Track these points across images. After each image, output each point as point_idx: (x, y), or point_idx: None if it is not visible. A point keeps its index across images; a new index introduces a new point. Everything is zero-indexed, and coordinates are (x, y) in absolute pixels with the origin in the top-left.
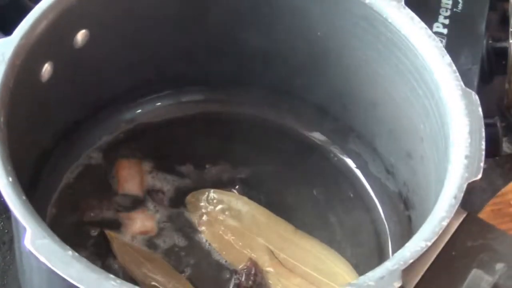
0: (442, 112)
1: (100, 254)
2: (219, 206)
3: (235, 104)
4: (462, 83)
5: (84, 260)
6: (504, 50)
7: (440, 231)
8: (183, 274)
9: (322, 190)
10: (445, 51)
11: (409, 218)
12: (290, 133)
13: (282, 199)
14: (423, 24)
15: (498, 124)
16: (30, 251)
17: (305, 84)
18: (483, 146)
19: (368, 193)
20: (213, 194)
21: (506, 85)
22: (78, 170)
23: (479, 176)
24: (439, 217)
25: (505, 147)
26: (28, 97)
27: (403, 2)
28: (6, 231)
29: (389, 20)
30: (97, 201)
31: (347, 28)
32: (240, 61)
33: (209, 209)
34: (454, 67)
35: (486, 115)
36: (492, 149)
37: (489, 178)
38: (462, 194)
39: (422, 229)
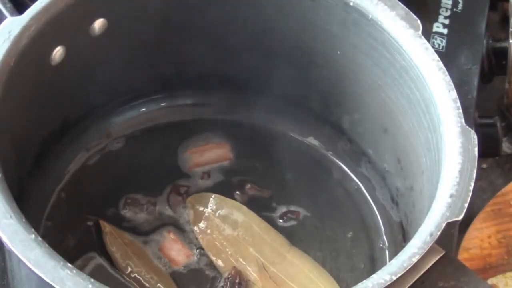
0: (440, 147)
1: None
2: (218, 212)
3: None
4: (463, 120)
5: (46, 245)
6: (504, 50)
7: (409, 267)
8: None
9: (325, 210)
10: (453, 86)
11: None
12: (303, 149)
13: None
14: (436, 56)
15: (498, 124)
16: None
17: (323, 101)
18: (471, 187)
19: (373, 218)
20: (214, 199)
21: (506, 85)
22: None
23: (461, 217)
24: (410, 252)
25: (505, 147)
26: (33, 78)
27: (420, 31)
28: None
29: (404, 48)
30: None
31: (365, 51)
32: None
33: (207, 214)
34: (459, 104)
35: (486, 115)
36: (492, 149)
37: (489, 178)
38: (439, 233)
39: (391, 262)
